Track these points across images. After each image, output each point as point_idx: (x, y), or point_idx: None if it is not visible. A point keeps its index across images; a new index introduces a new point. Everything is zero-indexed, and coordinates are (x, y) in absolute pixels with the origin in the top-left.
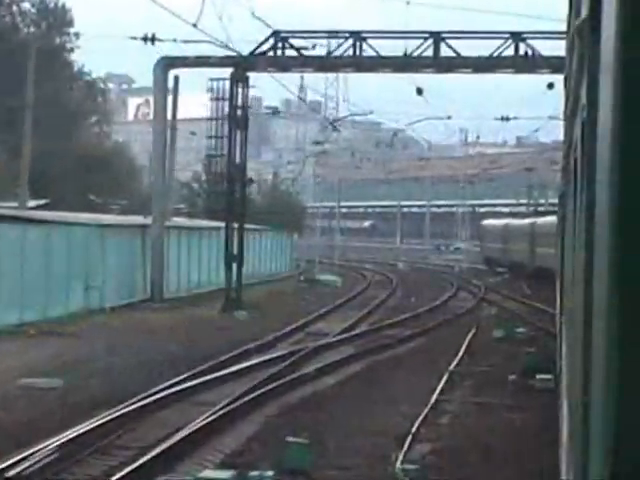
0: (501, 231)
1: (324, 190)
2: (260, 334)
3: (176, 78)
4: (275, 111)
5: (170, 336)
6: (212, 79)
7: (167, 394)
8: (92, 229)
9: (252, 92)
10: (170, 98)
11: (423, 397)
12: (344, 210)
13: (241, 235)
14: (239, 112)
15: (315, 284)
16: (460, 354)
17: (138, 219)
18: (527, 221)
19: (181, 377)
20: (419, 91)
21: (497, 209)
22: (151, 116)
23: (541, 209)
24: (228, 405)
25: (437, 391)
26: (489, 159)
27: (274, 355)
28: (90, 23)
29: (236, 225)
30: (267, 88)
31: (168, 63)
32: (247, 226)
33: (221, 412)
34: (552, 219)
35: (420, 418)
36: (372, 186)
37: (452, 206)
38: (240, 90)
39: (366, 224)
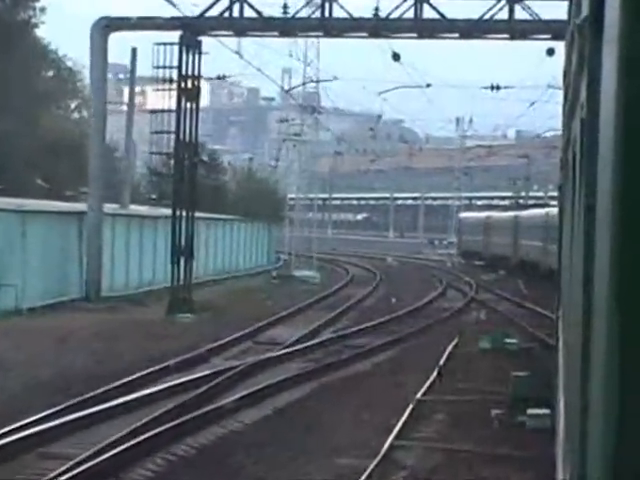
0: (482, 224)
1: (314, 181)
2: (197, 344)
3: (133, 51)
4: (270, 99)
5: (87, 345)
6: (158, 44)
7: (14, 439)
8: (9, 215)
9: (252, 83)
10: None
11: (374, 442)
12: (337, 202)
13: (191, 224)
14: (189, 82)
15: (290, 281)
16: (435, 373)
17: (75, 205)
18: (511, 214)
19: (54, 409)
20: (395, 57)
21: (494, 202)
22: (147, 105)
23: (532, 202)
24: (87, 461)
25: (395, 432)
26: (485, 150)
27: (196, 375)
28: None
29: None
30: (265, 80)
31: (107, 24)
32: (213, 216)
33: (76, 471)
34: (536, 212)
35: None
36: (365, 178)
37: (447, 198)
38: (190, 57)
39: (359, 217)
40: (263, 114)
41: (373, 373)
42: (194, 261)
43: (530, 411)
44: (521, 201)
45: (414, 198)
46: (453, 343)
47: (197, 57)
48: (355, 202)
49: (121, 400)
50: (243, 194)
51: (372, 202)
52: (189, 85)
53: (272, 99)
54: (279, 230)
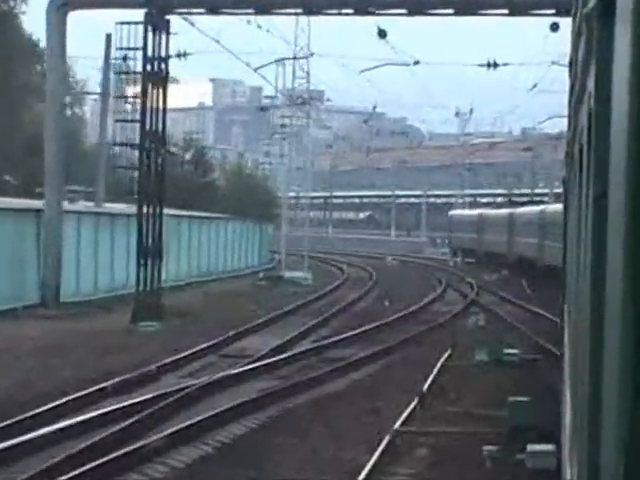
0: (475, 222)
1: (310, 178)
2: (154, 358)
3: (107, 37)
4: (272, 97)
5: (24, 361)
6: (121, 23)
7: None
8: None
9: (256, 82)
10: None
11: None
12: (340, 201)
13: (159, 222)
14: (155, 65)
15: (279, 282)
16: (420, 394)
17: (34, 203)
18: (506, 211)
19: None
20: (382, 34)
21: (499, 199)
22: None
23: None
24: None
25: (363, 475)
26: (487, 145)
27: (133, 401)
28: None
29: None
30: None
31: (65, 2)
32: (196, 213)
33: None
34: (532, 209)
35: None
36: (366, 175)
37: (450, 196)
38: (157, 38)
39: (362, 215)
40: (266, 112)
41: (348, 394)
42: (178, 262)
43: (531, 447)
44: (517, 199)
45: (416, 196)
46: (446, 354)
47: (165, 38)
48: (357, 200)
49: (21, 439)
50: (233, 191)
51: (374, 200)
52: (155, 69)
53: (274, 97)
54: (274, 228)
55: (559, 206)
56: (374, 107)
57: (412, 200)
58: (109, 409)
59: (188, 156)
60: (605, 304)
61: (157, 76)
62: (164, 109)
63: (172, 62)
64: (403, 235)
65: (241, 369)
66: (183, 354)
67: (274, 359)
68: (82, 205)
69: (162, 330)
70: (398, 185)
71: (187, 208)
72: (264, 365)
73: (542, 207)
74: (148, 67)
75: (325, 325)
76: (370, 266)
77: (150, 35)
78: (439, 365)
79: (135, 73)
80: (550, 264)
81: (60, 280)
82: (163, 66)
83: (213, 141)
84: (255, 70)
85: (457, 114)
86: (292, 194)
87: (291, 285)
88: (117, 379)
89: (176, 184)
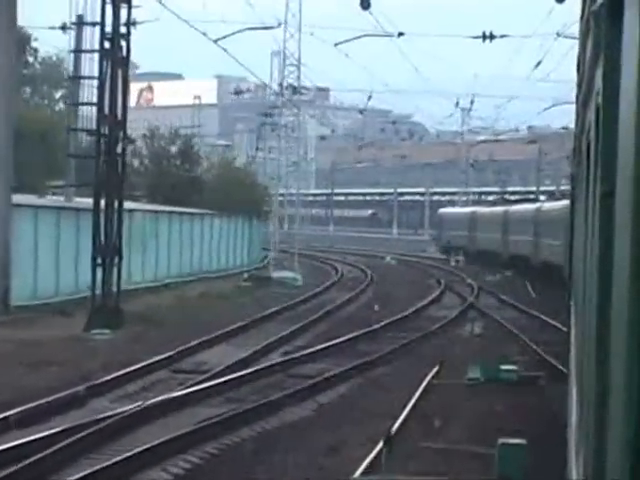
0: (467, 219)
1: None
2: (93, 374)
3: (79, 17)
4: (276, 94)
5: None
6: None
7: None
8: None
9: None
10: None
11: None
12: (341, 198)
13: (118, 217)
14: (115, 42)
15: (266, 283)
16: (396, 426)
17: None
18: (500, 209)
19: None
20: (364, 4)
21: (506, 197)
22: (155, 102)
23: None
24: None
25: None
26: (492, 143)
27: (31, 438)
28: None
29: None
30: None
31: None
32: (176, 209)
33: None
34: (528, 206)
35: None
36: (368, 173)
37: (454, 193)
38: (116, 10)
39: (364, 213)
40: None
41: (309, 424)
42: (157, 262)
43: None
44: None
45: (420, 193)
46: (434, 371)
47: (126, 11)
48: (361, 198)
49: None
50: (221, 186)
51: (377, 198)
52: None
53: (280, 94)
54: (269, 226)
55: (554, 204)
56: (369, 97)
57: (416, 198)
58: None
59: (174, 149)
60: (612, 301)
61: (116, 54)
62: (125, 91)
63: (176, 60)
64: (405, 233)
65: (187, 390)
66: (129, 369)
67: (232, 376)
68: (50, 200)
69: (116, 339)
70: (401, 183)
71: (174, 204)
72: (218, 384)
73: (538, 205)
74: (106, 44)
75: (303, 333)
76: (367, 265)
77: (109, 7)
78: (424, 384)
79: (92, 51)
80: (545, 261)
81: (9, 282)
82: (123, 43)
83: (217, 138)
84: (215, 42)
85: (457, 104)
86: (292, 191)
87: (278, 286)
88: (31, 405)
89: (163, 179)
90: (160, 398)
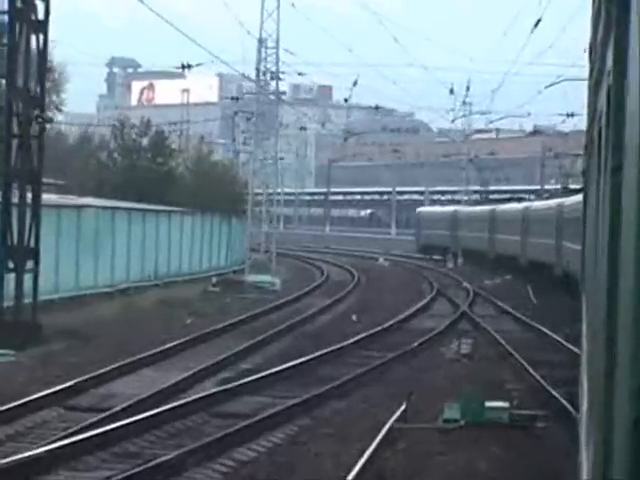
0: (449, 219)
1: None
2: None
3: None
4: (280, 93)
5: None
6: None
7: None
8: None
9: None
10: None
11: None
12: (339, 197)
13: (36, 212)
14: (32, 6)
15: (237, 288)
16: None
17: None
18: (487, 207)
19: None
20: None
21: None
22: (156, 101)
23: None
24: None
25: None
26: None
27: None
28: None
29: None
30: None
31: None
32: (138, 206)
33: None
34: (515, 205)
35: None
36: (367, 172)
37: (455, 192)
38: None
39: (363, 213)
40: (273, 107)
41: None
42: (112, 264)
43: None
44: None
45: (419, 192)
46: (401, 410)
47: None
48: (359, 197)
49: None
50: (196, 181)
51: (376, 197)
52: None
53: (283, 93)
54: (253, 225)
55: (543, 203)
56: (354, 82)
57: (415, 197)
58: None
59: (145, 141)
60: (620, 287)
61: (29, 15)
62: (43, 61)
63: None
64: (405, 233)
65: (72, 439)
66: (12, 404)
67: (140, 417)
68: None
69: (18, 362)
70: (400, 182)
71: (145, 201)
72: (117, 428)
73: (526, 204)
74: (18, 3)
75: (258, 351)
76: (357, 267)
77: None
78: (385, 429)
79: (1, 13)
80: (532, 259)
81: None
82: (40, 3)
83: (218, 136)
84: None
85: (451, 91)
86: (279, 189)
87: (252, 291)
88: None
89: (134, 174)
90: (28, 454)
